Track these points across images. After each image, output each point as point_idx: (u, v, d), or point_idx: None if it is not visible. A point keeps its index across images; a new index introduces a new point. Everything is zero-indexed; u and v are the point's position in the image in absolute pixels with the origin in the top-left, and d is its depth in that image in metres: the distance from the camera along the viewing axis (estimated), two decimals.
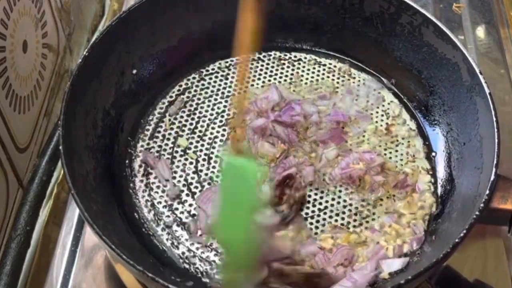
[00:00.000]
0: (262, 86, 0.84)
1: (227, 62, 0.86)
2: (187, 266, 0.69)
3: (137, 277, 0.67)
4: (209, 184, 0.74)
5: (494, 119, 0.67)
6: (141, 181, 0.75)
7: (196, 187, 0.74)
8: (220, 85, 0.84)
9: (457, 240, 0.59)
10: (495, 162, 0.63)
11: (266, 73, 0.86)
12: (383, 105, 0.83)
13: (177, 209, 0.73)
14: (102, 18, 1.05)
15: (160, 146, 0.78)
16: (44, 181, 0.79)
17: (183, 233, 0.71)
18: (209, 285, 0.68)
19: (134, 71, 0.81)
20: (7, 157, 0.73)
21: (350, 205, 0.73)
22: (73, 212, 0.78)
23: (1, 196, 0.72)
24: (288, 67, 0.86)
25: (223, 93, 0.83)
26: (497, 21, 1.00)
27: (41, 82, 0.83)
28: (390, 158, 0.77)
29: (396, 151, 0.78)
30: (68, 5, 0.92)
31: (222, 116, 0.80)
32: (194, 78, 0.84)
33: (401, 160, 0.77)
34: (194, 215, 0.72)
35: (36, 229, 0.77)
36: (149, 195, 0.74)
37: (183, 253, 0.69)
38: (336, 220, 0.72)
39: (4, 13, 0.71)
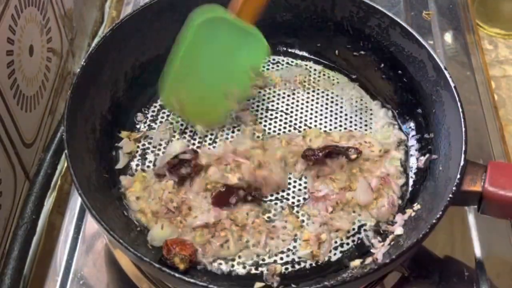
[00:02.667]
0: None
1: None
2: None
3: (134, 262, 0.70)
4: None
5: (460, 109, 0.68)
6: None
7: None
8: None
9: (434, 221, 0.61)
10: (463, 148, 0.65)
11: None
12: (356, 101, 0.84)
13: None
14: (101, 24, 1.06)
15: (155, 147, 0.78)
16: (48, 173, 0.81)
17: None
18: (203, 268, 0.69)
19: (127, 79, 0.81)
20: (15, 152, 0.75)
21: None
22: (75, 202, 0.80)
23: (10, 187, 0.74)
24: (267, 68, 0.88)
25: None
26: (464, 28, 1.02)
27: (46, 83, 0.85)
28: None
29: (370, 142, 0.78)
30: (70, 12, 0.94)
31: None
32: None
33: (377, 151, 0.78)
34: None
35: (41, 217, 0.78)
36: None
37: None
38: None
39: (12, 20, 0.73)
